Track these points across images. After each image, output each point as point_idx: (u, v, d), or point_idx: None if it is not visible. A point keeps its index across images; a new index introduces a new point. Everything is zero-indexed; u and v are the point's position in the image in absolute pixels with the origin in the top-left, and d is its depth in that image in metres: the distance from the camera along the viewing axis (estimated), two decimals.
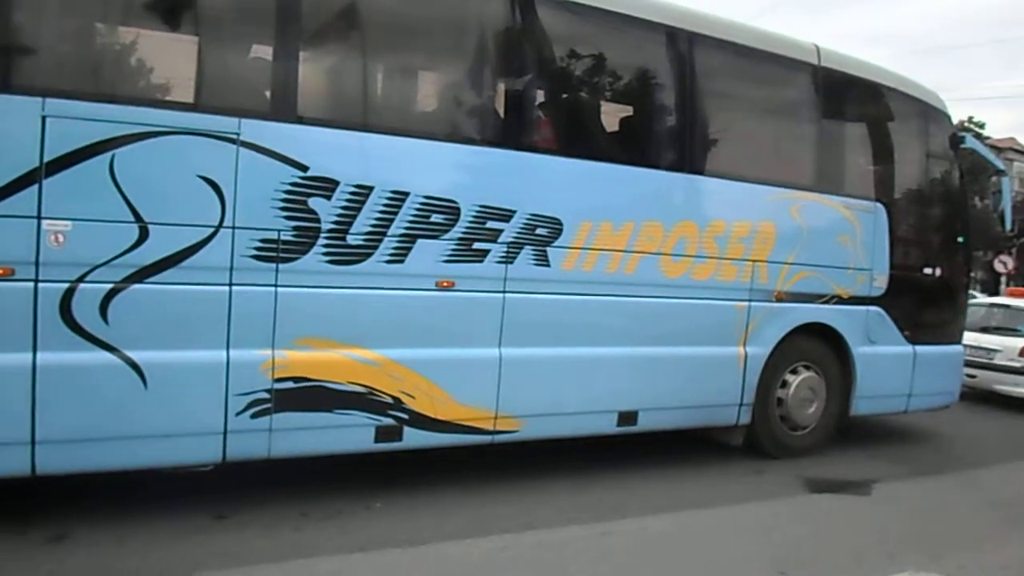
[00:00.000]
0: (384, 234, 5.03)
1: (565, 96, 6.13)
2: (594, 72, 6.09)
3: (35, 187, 4.24)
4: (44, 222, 4.27)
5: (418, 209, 5.11)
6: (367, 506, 5.17)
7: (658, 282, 5.99)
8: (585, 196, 5.73)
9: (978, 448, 8.27)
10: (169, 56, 5.04)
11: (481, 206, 5.31)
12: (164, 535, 4.55)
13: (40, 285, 4.30)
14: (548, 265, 5.55)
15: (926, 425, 8.49)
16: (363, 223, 4.98)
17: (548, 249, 5.55)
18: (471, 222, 5.29)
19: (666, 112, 6.28)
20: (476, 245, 5.31)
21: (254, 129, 4.68)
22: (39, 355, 4.31)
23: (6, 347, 4.26)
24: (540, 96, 5.85)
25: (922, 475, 6.79)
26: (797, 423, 6.99)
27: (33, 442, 4.34)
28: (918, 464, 7.14)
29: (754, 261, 6.45)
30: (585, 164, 5.73)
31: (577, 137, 6.00)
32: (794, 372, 6.94)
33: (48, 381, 4.34)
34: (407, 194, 5.08)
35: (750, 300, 6.47)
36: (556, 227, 5.57)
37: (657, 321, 6.03)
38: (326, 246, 4.89)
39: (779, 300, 6.64)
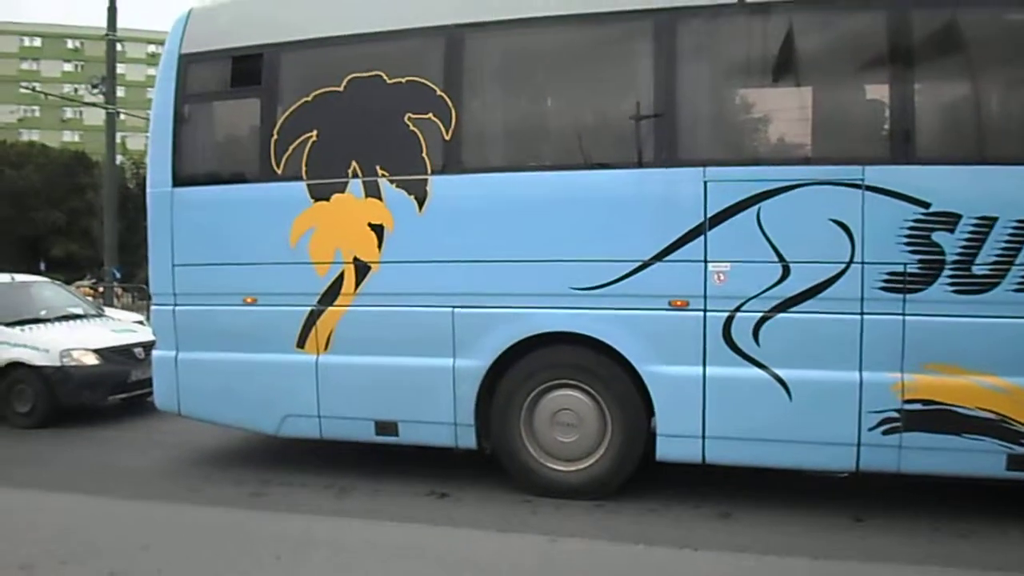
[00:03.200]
0: (1012, 263, 5.27)
1: None
2: None
3: (701, 238, 5.66)
4: (709, 264, 5.67)
5: None
6: (1003, 531, 5.40)
7: None
8: None
9: None
10: (792, 115, 6.02)
11: None
12: (812, 527, 5.49)
13: (708, 314, 5.69)
14: None
15: None
16: (988, 253, 5.29)
17: None
18: None
19: None
20: None
21: (876, 173, 5.41)
22: (708, 368, 5.70)
23: (685, 361, 5.74)
24: None
25: None
26: None
27: (703, 436, 5.73)
28: None
29: None
30: None
31: None
32: None
33: (714, 389, 5.69)
34: None
35: None
36: None
37: None
38: (951, 277, 5.33)
39: None
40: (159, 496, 6.31)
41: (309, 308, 6.47)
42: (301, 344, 6.50)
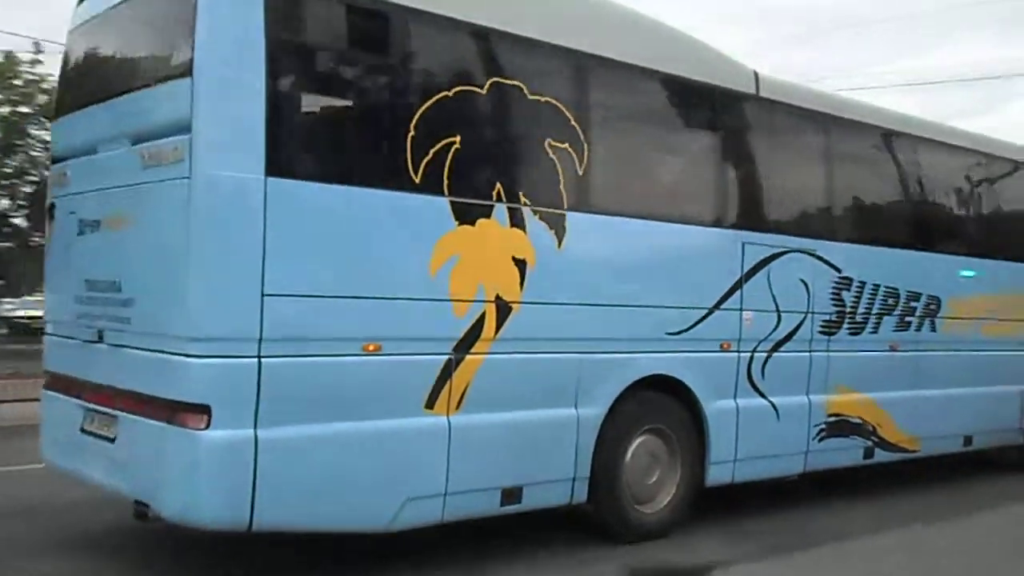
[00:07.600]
0: (869, 313, 8.22)
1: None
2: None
3: (739, 291, 7.14)
4: (743, 313, 7.19)
5: (883, 296, 8.36)
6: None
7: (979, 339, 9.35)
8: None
9: None
10: (781, 192, 7.72)
11: (908, 291, 8.55)
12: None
13: (740, 355, 7.18)
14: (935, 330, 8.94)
15: None
16: (863, 307, 8.13)
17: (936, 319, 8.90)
18: (904, 302, 8.52)
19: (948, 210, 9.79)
20: (907, 318, 8.67)
21: (821, 247, 7.76)
22: (738, 400, 7.17)
23: (726, 395, 7.07)
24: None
25: None
26: None
27: (735, 460, 7.11)
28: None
29: None
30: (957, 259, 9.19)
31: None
32: None
33: (744, 418, 7.17)
34: (878, 286, 8.28)
35: None
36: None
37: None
38: (849, 323, 8.01)
39: None
40: None
41: (446, 357, 5.46)
42: (431, 404, 5.39)
